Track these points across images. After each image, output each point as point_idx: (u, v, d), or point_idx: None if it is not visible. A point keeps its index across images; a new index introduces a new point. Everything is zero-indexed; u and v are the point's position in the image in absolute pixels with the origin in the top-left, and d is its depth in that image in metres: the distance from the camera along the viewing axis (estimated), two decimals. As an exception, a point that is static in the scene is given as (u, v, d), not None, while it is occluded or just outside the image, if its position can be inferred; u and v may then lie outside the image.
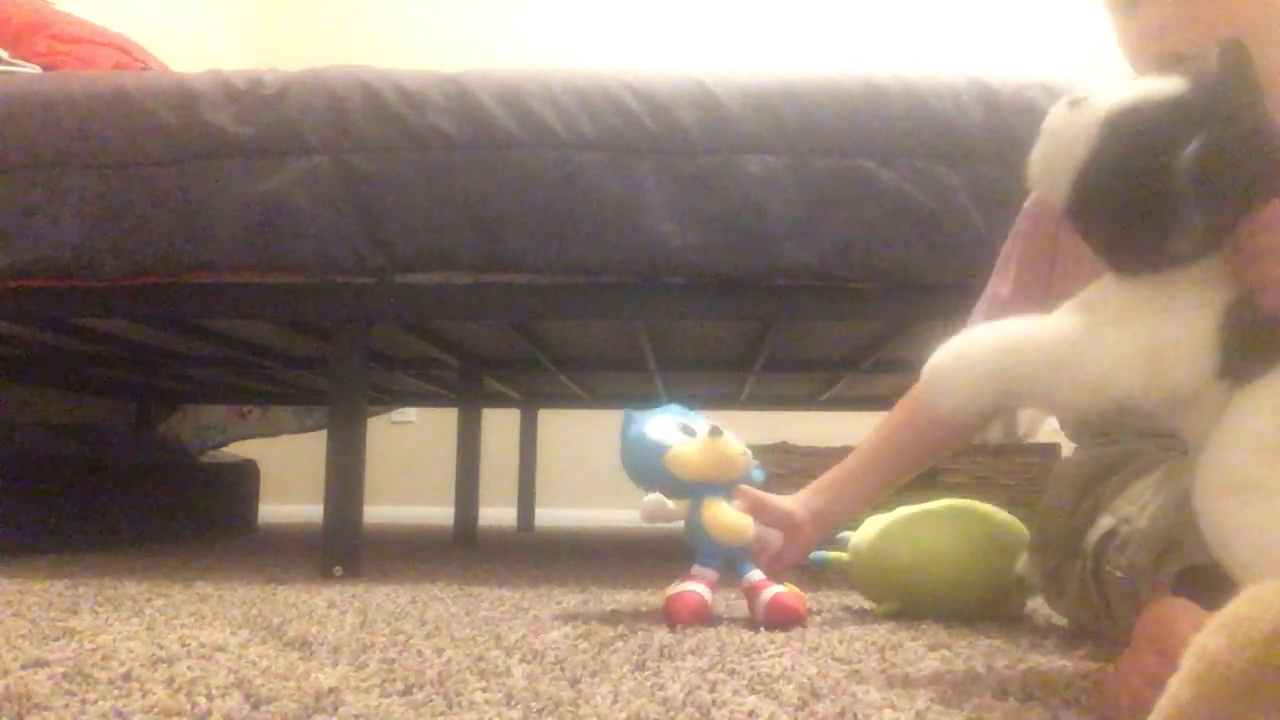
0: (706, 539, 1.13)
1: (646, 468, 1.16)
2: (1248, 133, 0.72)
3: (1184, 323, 0.72)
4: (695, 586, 1.10)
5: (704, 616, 1.09)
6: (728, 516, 1.13)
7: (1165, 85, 0.75)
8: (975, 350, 0.78)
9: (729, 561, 1.14)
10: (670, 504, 1.13)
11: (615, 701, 0.68)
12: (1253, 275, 0.71)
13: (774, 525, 1.17)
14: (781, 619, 1.07)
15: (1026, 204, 1.15)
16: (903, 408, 1.18)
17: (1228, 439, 0.67)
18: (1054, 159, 0.78)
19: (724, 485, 1.16)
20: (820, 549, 1.30)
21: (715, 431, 1.14)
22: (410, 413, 3.84)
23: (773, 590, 1.10)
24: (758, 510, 1.17)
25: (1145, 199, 0.72)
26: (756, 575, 1.12)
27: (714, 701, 0.68)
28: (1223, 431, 0.68)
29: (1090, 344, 0.74)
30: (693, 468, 1.14)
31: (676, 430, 1.16)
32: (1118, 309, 0.74)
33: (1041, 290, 1.08)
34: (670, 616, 1.07)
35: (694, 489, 1.14)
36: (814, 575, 1.47)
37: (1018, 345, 0.77)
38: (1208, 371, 0.70)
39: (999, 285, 1.15)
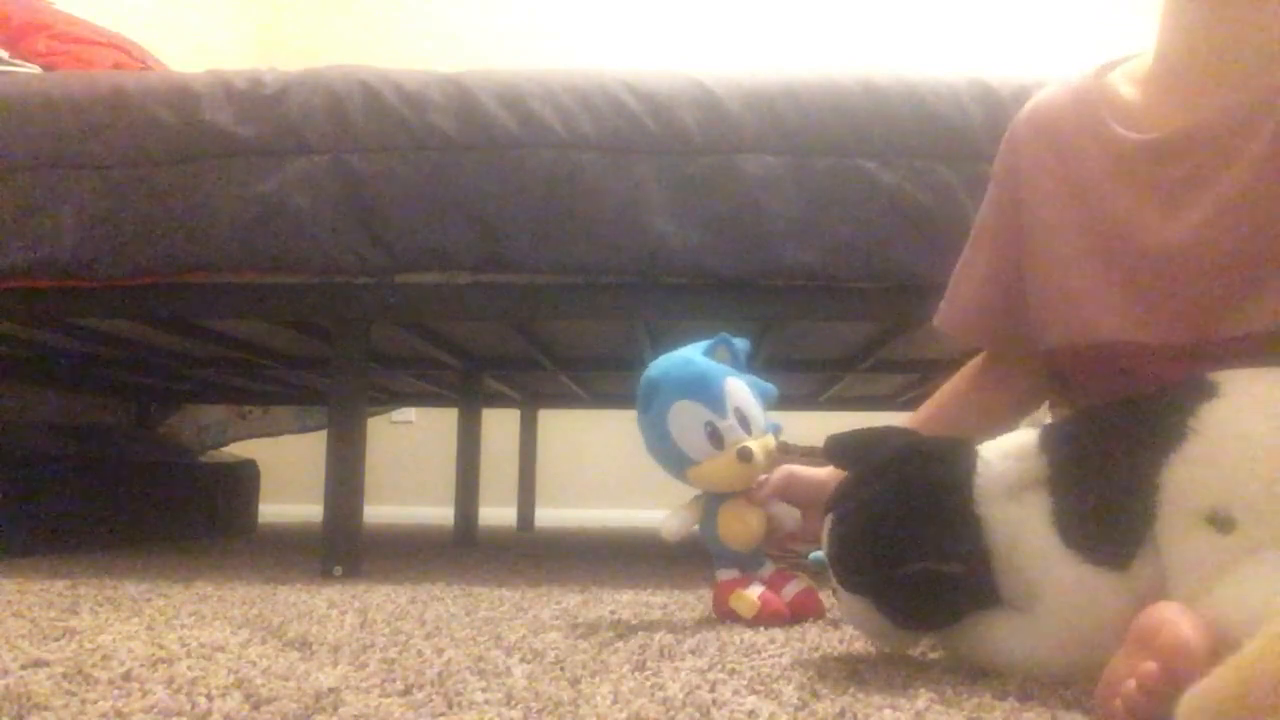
0: (721, 544, 1.13)
1: (667, 465, 1.13)
2: (864, 504, 0.83)
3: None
4: (758, 589, 1.10)
5: (783, 613, 1.09)
6: (742, 522, 1.12)
7: None
8: None
9: (742, 562, 1.14)
10: (694, 525, 1.13)
11: (615, 701, 0.68)
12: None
13: (800, 502, 1.13)
14: (804, 614, 1.10)
15: (995, 163, 1.08)
16: (963, 376, 1.11)
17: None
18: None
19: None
20: (820, 549, 1.29)
21: (745, 455, 1.08)
22: (410, 413, 3.84)
23: (794, 587, 1.12)
24: (786, 487, 1.13)
25: (890, 577, 0.79)
26: (770, 570, 1.14)
27: (714, 701, 0.68)
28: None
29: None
30: (717, 484, 1.12)
31: (702, 436, 1.09)
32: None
33: (1014, 271, 1.00)
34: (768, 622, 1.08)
35: (712, 496, 1.14)
36: (813, 575, 1.46)
37: None
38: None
39: (974, 258, 1.07)
